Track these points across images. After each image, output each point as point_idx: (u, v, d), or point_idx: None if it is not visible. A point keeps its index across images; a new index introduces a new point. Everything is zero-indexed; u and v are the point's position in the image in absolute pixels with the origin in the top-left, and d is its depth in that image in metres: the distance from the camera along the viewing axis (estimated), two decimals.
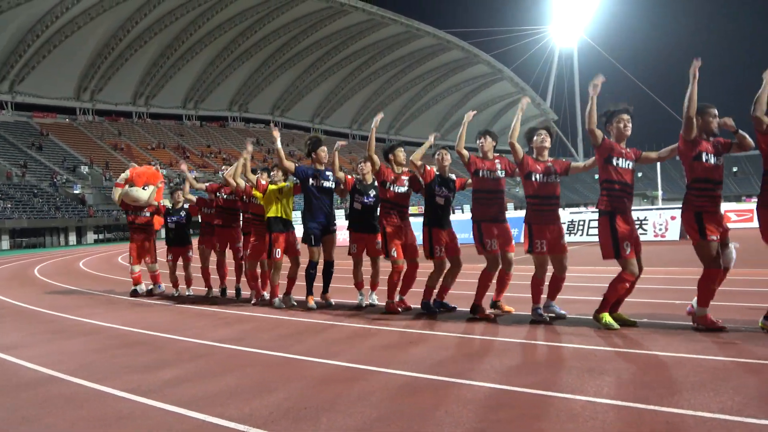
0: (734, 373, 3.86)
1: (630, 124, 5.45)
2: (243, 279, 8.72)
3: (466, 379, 3.95)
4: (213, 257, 9.19)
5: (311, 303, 7.36)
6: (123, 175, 9.76)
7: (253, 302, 8.13)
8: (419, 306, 6.73)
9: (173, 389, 4.05)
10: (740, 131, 5.14)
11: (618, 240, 5.30)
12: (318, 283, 7.51)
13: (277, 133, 7.57)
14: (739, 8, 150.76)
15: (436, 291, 6.67)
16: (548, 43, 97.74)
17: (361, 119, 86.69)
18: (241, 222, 8.79)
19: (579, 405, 3.33)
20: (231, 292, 8.98)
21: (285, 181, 7.71)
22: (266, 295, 8.21)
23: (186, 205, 9.54)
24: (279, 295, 7.71)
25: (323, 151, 7.52)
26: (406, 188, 6.92)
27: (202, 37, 63.63)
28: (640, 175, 74.68)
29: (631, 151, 5.51)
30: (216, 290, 9.16)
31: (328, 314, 6.93)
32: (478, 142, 6.39)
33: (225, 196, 8.77)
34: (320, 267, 7.52)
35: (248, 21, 63.86)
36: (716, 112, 5.19)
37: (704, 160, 5.11)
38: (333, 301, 7.58)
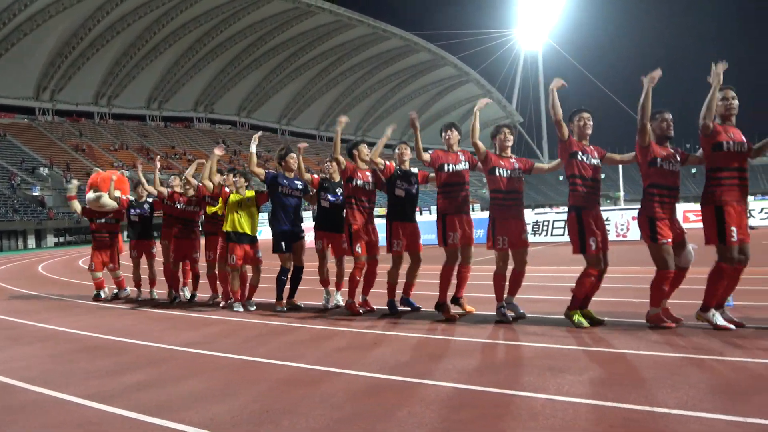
0: (690, 369, 3.97)
1: (590, 122, 5.58)
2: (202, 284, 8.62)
3: (429, 379, 3.97)
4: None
5: (282, 307, 7.32)
6: (72, 186, 9.52)
7: (222, 305, 8.05)
8: (383, 306, 6.74)
9: (134, 395, 3.98)
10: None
11: (584, 235, 5.41)
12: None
13: (256, 138, 7.51)
14: (703, 14, 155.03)
15: (400, 290, 6.70)
16: (514, 46, 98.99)
17: (328, 120, 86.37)
18: (198, 230, 8.74)
19: (539, 403, 3.37)
20: (202, 295, 8.86)
21: (248, 188, 7.64)
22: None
23: (150, 199, 9.33)
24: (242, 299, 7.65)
25: (292, 158, 7.48)
26: (370, 183, 6.90)
27: (166, 36, 62.56)
28: (603, 176, 76.61)
29: (595, 149, 5.63)
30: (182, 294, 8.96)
31: (293, 316, 6.89)
32: (443, 135, 6.44)
33: (182, 206, 8.56)
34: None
35: (214, 21, 63.03)
36: (670, 117, 5.35)
37: (659, 165, 5.26)
38: (301, 303, 7.53)
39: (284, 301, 7.40)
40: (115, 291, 9.55)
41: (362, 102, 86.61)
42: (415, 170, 6.80)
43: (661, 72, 5.13)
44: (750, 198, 22.87)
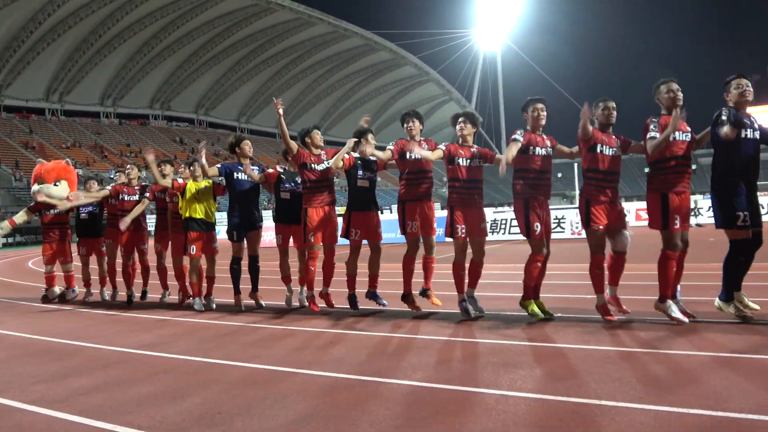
0: (638, 363, 4.08)
1: (544, 113, 5.73)
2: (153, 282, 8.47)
3: (386, 377, 3.97)
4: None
5: (240, 303, 7.24)
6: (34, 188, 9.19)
7: (182, 302, 7.95)
8: (344, 305, 6.72)
9: (81, 399, 3.86)
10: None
11: (529, 221, 5.57)
12: (246, 285, 7.37)
13: (202, 152, 7.29)
14: (660, 13, 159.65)
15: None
16: (473, 46, 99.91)
17: (288, 119, 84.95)
18: (146, 222, 8.64)
19: (493, 399, 3.41)
20: (154, 296, 8.67)
21: (205, 178, 7.54)
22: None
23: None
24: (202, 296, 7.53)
25: (247, 145, 7.43)
26: (325, 165, 6.76)
27: (121, 31, 61.02)
28: (560, 175, 78.06)
29: (548, 139, 5.75)
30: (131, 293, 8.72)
31: (252, 316, 6.81)
32: (406, 125, 6.43)
33: (129, 198, 8.45)
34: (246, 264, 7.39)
35: (170, 16, 61.78)
36: (613, 105, 5.55)
37: (599, 151, 5.43)
38: (263, 302, 7.45)
39: (241, 295, 7.31)
40: (63, 291, 9.27)
41: (323, 100, 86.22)
42: (374, 158, 6.75)
43: (589, 111, 5.33)
44: (699, 197, 23.43)
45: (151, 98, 72.50)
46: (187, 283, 7.86)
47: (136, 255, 8.58)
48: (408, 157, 6.25)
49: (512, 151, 5.56)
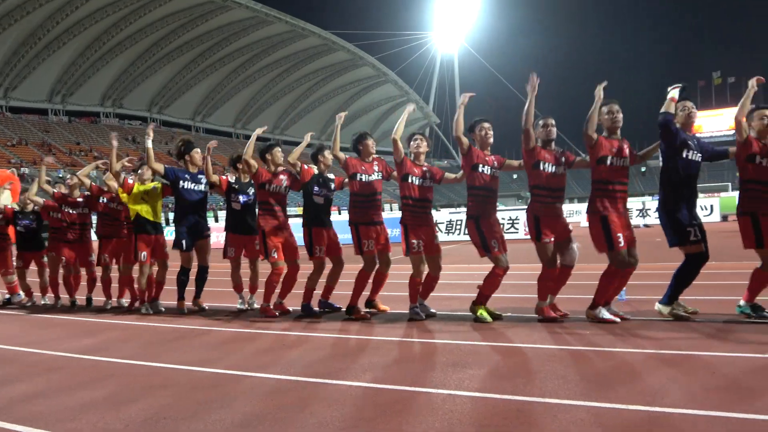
0: (581, 361, 4.21)
1: (491, 132, 5.82)
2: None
3: (336, 379, 3.98)
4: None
5: (182, 308, 7.11)
6: None
7: (128, 306, 7.77)
8: (299, 309, 6.68)
9: (21, 406, 3.74)
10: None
11: (486, 239, 5.63)
12: (191, 287, 7.25)
13: (150, 131, 7.11)
14: (613, 17, 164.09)
15: (319, 292, 6.66)
16: (431, 48, 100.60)
17: (245, 118, 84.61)
18: (89, 233, 8.34)
19: (440, 398, 3.46)
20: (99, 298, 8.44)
21: (153, 180, 7.37)
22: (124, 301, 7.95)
23: (36, 208, 8.66)
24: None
25: (197, 153, 7.27)
26: (284, 186, 6.79)
27: (71, 25, 59.08)
28: (515, 176, 79.32)
29: (495, 159, 5.85)
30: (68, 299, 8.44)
31: (202, 320, 6.71)
32: (358, 147, 6.47)
33: (70, 210, 8.11)
34: (194, 272, 7.28)
35: (122, 11, 60.09)
36: (552, 122, 5.68)
37: (542, 168, 5.56)
38: (206, 305, 7.34)
39: (185, 301, 7.19)
40: (7, 296, 8.95)
41: (280, 100, 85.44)
42: (331, 176, 6.79)
43: (538, 79, 5.43)
44: (648, 198, 24.29)
45: (103, 95, 70.49)
46: (134, 288, 7.69)
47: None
48: (357, 178, 6.27)
49: (460, 115, 5.71)
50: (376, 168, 6.36)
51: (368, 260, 6.29)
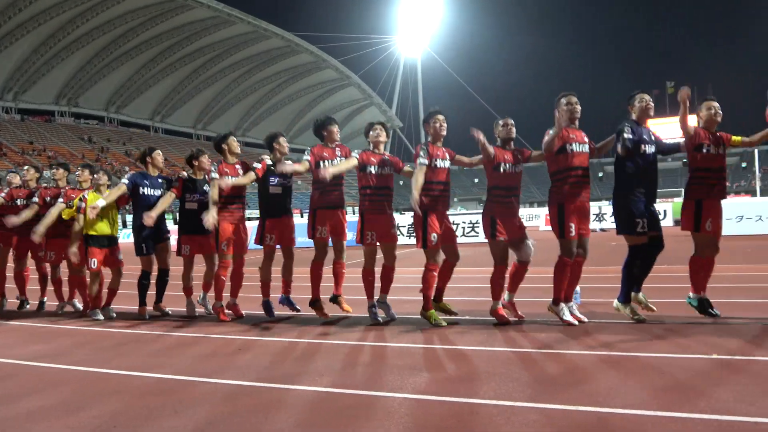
0: (536, 363, 4.27)
1: (445, 125, 5.89)
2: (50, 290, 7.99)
3: (291, 383, 3.95)
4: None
5: (144, 314, 6.95)
6: None
7: (73, 310, 7.58)
8: (257, 311, 6.60)
9: None
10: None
11: (426, 232, 5.69)
12: (151, 291, 7.09)
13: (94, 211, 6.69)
14: (579, 30, 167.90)
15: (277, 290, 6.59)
16: (394, 52, 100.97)
17: (206, 119, 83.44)
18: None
19: (396, 402, 3.46)
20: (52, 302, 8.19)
21: (109, 187, 7.17)
22: (77, 303, 7.75)
23: None
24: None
25: (159, 155, 7.14)
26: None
27: (24, 21, 57.25)
28: (476, 180, 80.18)
29: (447, 152, 5.91)
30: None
31: (155, 324, 6.58)
32: (323, 131, 6.41)
33: (23, 202, 7.76)
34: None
35: (79, 8, 58.58)
36: (512, 121, 5.84)
37: (501, 170, 5.69)
38: (169, 310, 7.19)
39: (147, 306, 7.03)
40: None
41: (242, 101, 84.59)
42: (289, 162, 6.68)
43: (482, 136, 5.54)
44: (605, 203, 24.69)
45: (57, 94, 68.57)
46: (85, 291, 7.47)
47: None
48: (321, 165, 6.23)
49: (420, 179, 5.68)
50: (338, 154, 6.31)
51: (319, 247, 6.25)
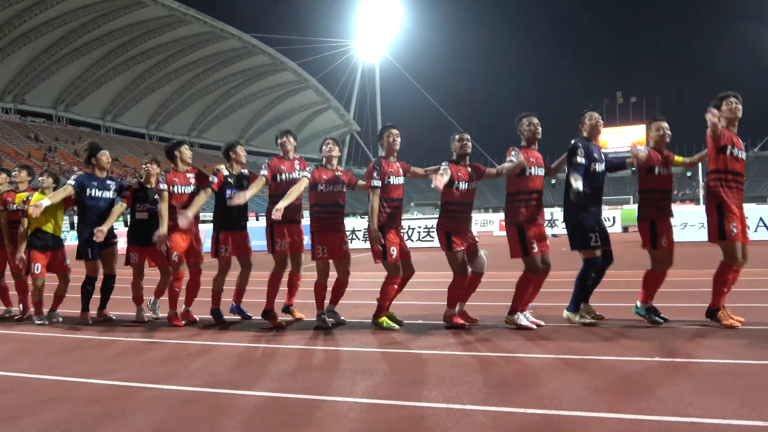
0: (487, 366, 4.33)
1: (398, 139, 5.92)
2: None
3: (240, 388, 3.90)
4: None
5: (87, 319, 6.73)
6: None
7: (18, 317, 7.29)
8: (207, 316, 6.50)
9: None
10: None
11: (385, 246, 5.70)
12: (96, 295, 6.89)
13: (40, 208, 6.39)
14: (535, 41, 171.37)
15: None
16: (353, 56, 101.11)
17: (159, 119, 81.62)
18: None
19: (346, 406, 3.46)
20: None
21: (55, 188, 6.94)
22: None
23: None
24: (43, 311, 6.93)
25: (105, 155, 6.93)
26: (192, 188, 6.55)
27: None
28: (433, 186, 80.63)
29: (401, 165, 5.94)
30: None
31: (103, 330, 6.40)
32: (279, 141, 6.36)
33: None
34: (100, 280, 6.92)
35: (26, 2, 56.64)
36: (467, 136, 5.93)
37: (455, 187, 5.77)
38: (113, 315, 6.99)
39: (91, 312, 6.81)
40: None
41: (197, 102, 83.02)
42: (245, 172, 6.61)
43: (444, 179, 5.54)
44: (557, 209, 25.25)
45: (2, 90, 65.94)
46: (28, 297, 7.21)
47: None
48: (279, 179, 6.18)
49: (375, 204, 5.70)
50: (297, 167, 6.28)
51: (278, 260, 6.20)
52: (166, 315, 6.62)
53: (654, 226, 5.59)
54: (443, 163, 5.78)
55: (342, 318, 6.16)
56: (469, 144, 5.91)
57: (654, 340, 4.88)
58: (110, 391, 4.01)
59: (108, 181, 6.86)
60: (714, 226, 5.32)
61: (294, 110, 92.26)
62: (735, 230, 5.21)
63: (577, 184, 5.34)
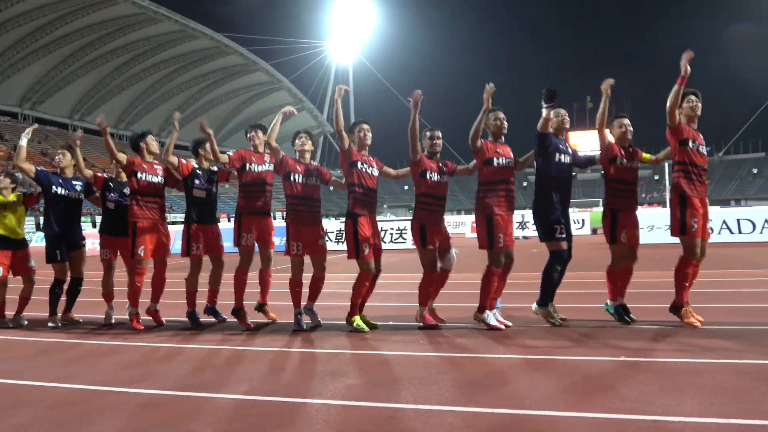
0: (455, 367, 4.38)
1: (369, 134, 5.94)
2: None
3: (209, 391, 3.87)
4: None
5: (56, 323, 6.59)
6: None
7: None
8: (180, 318, 6.42)
9: None
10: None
11: (358, 242, 5.70)
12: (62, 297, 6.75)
13: (30, 130, 6.61)
14: (508, 42, 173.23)
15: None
16: (326, 57, 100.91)
17: (129, 119, 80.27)
18: None
19: (315, 408, 3.46)
20: None
21: (14, 190, 6.78)
22: None
23: None
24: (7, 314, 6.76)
25: (64, 156, 6.81)
26: (159, 178, 6.47)
27: None
28: (406, 188, 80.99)
29: (374, 160, 5.96)
30: None
31: (70, 333, 6.28)
32: (248, 135, 6.35)
33: None
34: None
35: None
36: (438, 134, 5.98)
37: (428, 177, 5.81)
38: (80, 318, 6.86)
39: (58, 315, 6.68)
40: None
41: (168, 101, 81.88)
42: (214, 168, 6.56)
43: (420, 93, 5.66)
44: (528, 211, 25.44)
45: None
46: None
47: None
48: (248, 168, 6.15)
49: (339, 109, 5.83)
50: (267, 159, 6.26)
51: (244, 255, 6.16)
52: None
53: (615, 218, 5.71)
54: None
55: (319, 318, 6.11)
56: (440, 143, 5.97)
57: (619, 340, 4.98)
58: (74, 395, 3.95)
59: (74, 182, 6.74)
60: (676, 220, 5.46)
61: (267, 111, 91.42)
62: (695, 225, 5.35)
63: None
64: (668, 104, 5.36)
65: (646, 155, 6.02)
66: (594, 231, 25.23)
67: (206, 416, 3.38)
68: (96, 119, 6.27)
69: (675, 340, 4.97)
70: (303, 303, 6.07)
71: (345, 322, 5.84)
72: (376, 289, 6.16)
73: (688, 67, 5.25)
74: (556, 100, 5.58)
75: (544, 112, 5.55)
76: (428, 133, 5.95)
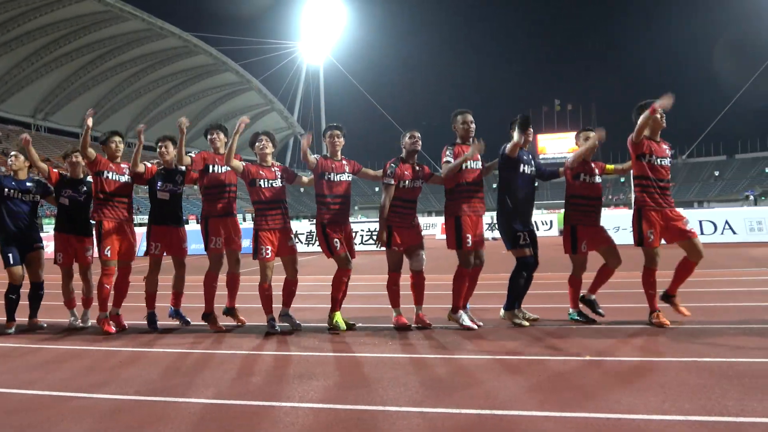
0: (425, 368, 4.40)
1: (339, 139, 5.94)
2: None
3: (175, 396, 3.81)
4: None
5: (12, 329, 6.37)
6: None
7: None
8: (142, 322, 6.31)
9: None
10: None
11: (328, 238, 5.77)
12: (24, 302, 6.57)
13: None
14: (478, 47, 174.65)
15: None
16: (297, 58, 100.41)
17: (95, 118, 78.48)
18: None
19: (283, 411, 3.43)
20: None
21: None
22: None
23: None
24: None
25: (16, 158, 6.54)
26: (126, 178, 6.35)
27: None
28: (377, 189, 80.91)
29: (349, 164, 5.95)
30: None
31: (29, 337, 6.12)
32: (209, 138, 6.28)
33: None
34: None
35: None
36: (418, 135, 6.02)
37: (401, 185, 5.87)
38: (44, 323, 6.67)
39: (16, 321, 6.45)
40: None
41: (135, 101, 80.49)
42: (182, 168, 6.44)
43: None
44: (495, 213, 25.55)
45: None
46: None
47: None
48: (211, 170, 6.09)
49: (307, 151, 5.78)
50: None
51: (213, 259, 6.11)
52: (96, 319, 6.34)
53: (575, 232, 5.85)
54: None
55: (297, 322, 5.98)
56: (420, 143, 6.02)
57: (585, 340, 5.06)
58: (35, 401, 3.85)
59: (28, 183, 6.55)
60: (635, 231, 5.62)
61: (236, 112, 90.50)
62: (651, 236, 5.49)
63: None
64: (638, 125, 5.47)
65: (609, 167, 6.15)
66: (561, 232, 25.55)
67: (170, 422, 3.33)
68: (87, 112, 6.20)
69: (639, 339, 5.07)
70: (278, 306, 5.99)
71: (317, 324, 5.82)
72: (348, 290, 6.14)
73: (664, 106, 5.39)
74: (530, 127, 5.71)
75: (516, 137, 5.61)
76: (408, 134, 6.02)
